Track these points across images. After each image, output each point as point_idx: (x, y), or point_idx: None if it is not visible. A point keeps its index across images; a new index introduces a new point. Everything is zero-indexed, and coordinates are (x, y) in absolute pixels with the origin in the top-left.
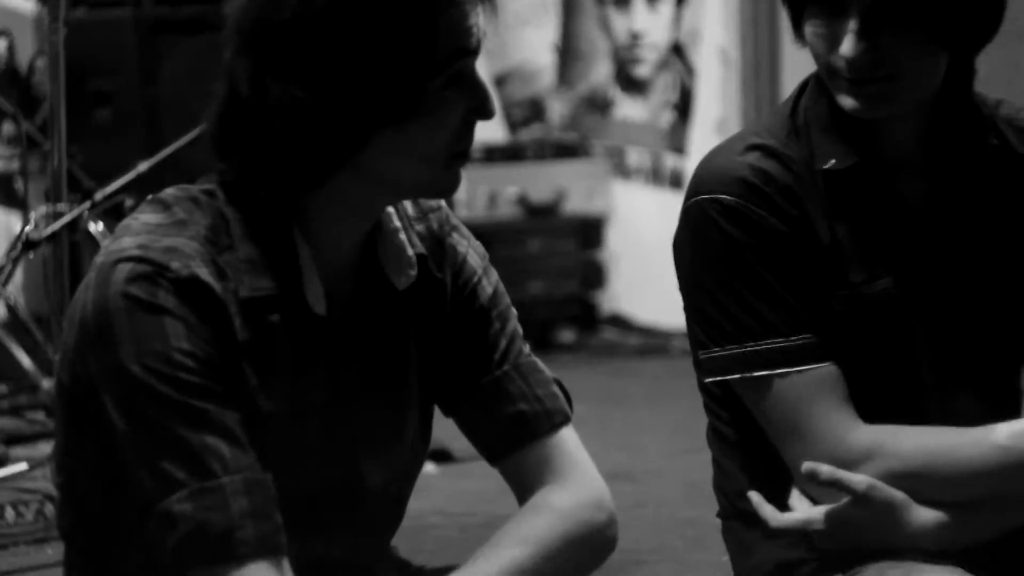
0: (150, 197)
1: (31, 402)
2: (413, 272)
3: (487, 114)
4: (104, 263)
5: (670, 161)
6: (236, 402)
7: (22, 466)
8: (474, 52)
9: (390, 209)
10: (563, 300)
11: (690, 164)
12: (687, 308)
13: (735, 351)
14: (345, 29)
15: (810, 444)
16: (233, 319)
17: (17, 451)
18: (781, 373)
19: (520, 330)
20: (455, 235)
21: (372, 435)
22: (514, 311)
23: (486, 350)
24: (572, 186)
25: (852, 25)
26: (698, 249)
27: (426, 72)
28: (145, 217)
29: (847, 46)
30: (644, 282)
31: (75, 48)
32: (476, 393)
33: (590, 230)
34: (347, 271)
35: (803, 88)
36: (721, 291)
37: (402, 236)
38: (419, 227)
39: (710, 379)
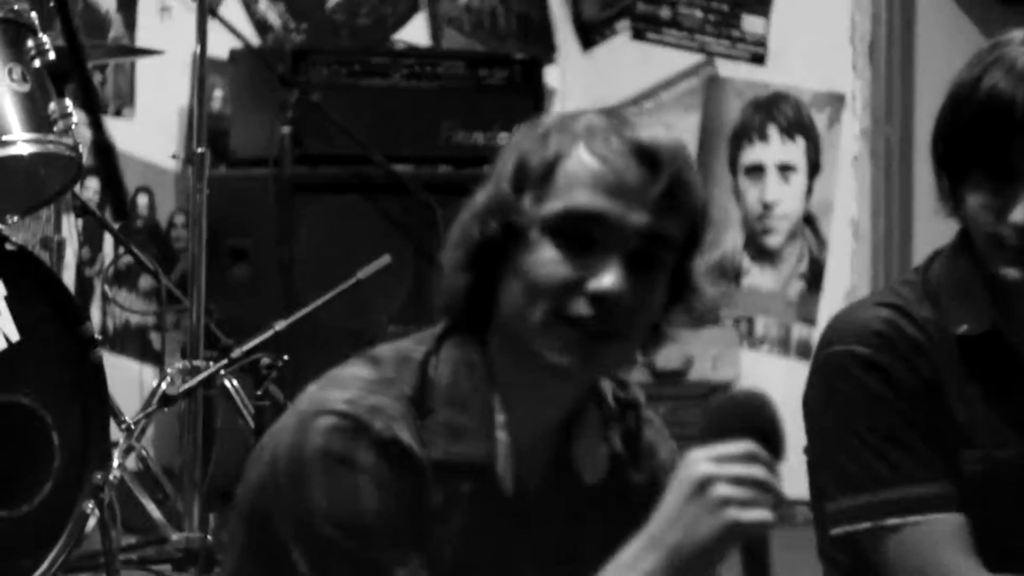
0: (363, 352)
1: (159, 555)
2: (603, 469)
3: (591, 293)
4: (307, 411)
5: (799, 331)
6: (421, 564)
7: None
8: (588, 218)
9: (591, 405)
10: None
11: (819, 335)
12: (816, 460)
13: (866, 499)
14: None
15: None
16: (428, 484)
17: None
18: (913, 521)
19: None
20: (649, 431)
21: None
22: None
23: None
24: (700, 353)
25: None
26: (831, 399)
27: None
28: (355, 371)
29: (1020, 214)
30: None
31: (214, 205)
32: None
33: (717, 398)
34: (541, 456)
35: (933, 258)
36: (853, 440)
37: (598, 432)
38: (619, 425)
39: (837, 529)
